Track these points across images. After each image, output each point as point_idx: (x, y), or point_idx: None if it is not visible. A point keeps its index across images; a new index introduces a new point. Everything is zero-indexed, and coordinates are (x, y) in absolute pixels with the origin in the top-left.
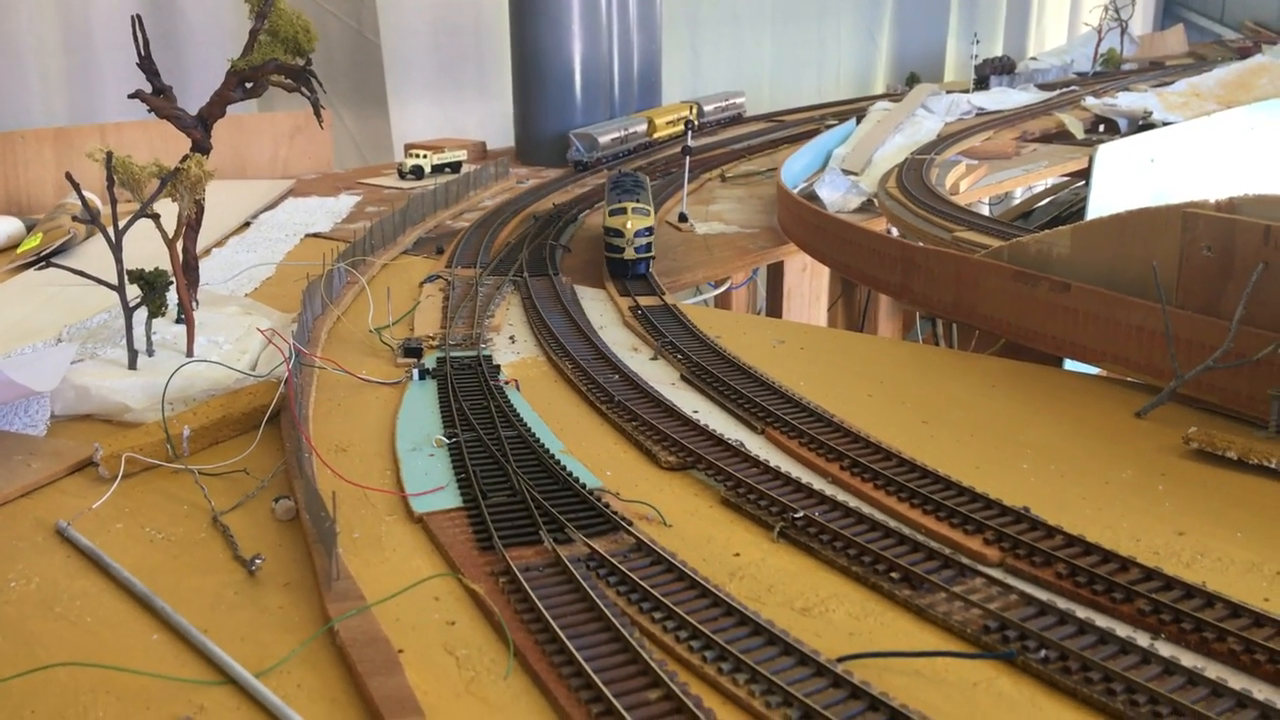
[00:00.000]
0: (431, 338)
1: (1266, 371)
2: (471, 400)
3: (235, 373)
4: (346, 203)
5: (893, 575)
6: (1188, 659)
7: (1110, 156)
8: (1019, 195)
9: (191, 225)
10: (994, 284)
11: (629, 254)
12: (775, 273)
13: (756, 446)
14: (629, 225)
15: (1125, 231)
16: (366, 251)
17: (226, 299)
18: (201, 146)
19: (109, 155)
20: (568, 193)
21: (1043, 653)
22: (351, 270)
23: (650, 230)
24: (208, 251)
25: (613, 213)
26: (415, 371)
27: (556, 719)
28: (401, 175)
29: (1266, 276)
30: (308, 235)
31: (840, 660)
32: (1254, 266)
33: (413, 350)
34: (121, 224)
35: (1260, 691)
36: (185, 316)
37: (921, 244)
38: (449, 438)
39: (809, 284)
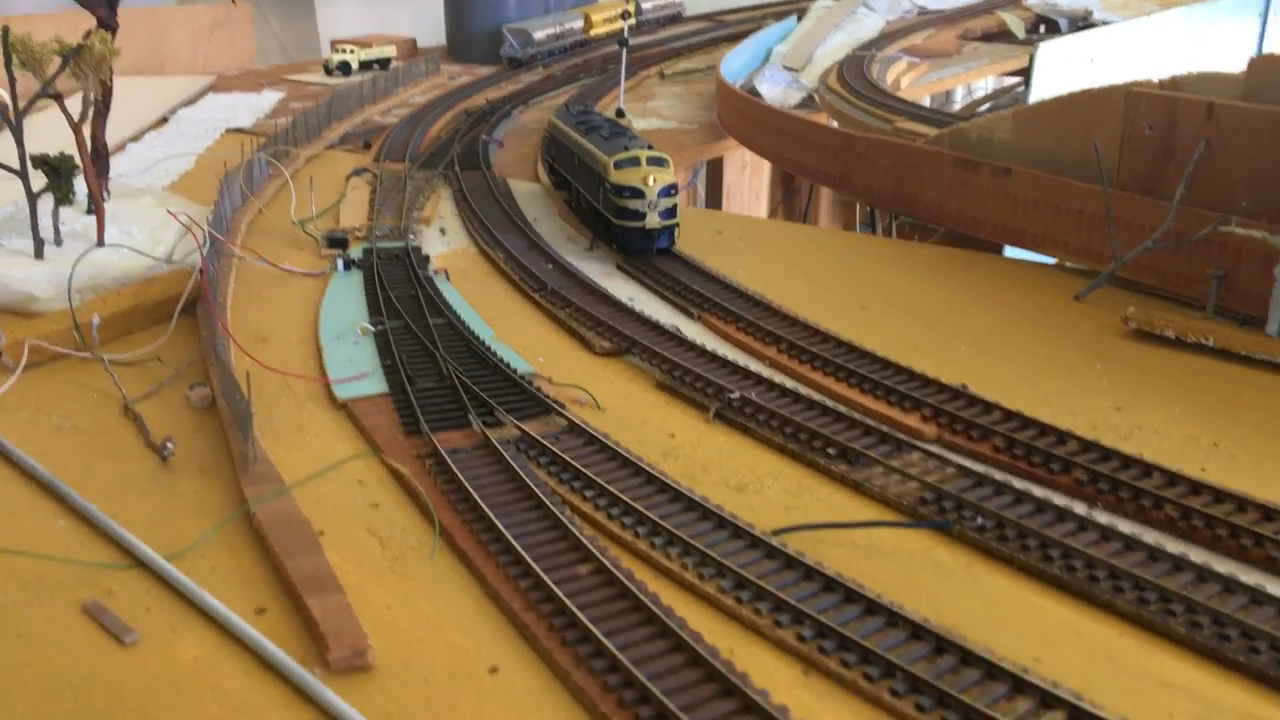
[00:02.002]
0: (357, 229)
1: (1205, 252)
2: (399, 290)
3: (148, 260)
4: (270, 98)
5: (829, 451)
6: (1125, 526)
7: (1050, 55)
8: (959, 99)
9: (99, 109)
10: (934, 171)
11: (652, 221)
12: (714, 172)
13: (693, 332)
14: (651, 182)
15: (1068, 114)
16: (290, 144)
17: (141, 191)
18: (107, 24)
19: (5, 31)
20: (501, 89)
21: (979, 521)
22: (274, 161)
23: (676, 189)
24: (123, 146)
25: (620, 165)
26: (340, 262)
27: (484, 596)
28: (328, 71)
29: (1208, 155)
30: (229, 130)
31: (775, 533)
32: (1196, 145)
33: (337, 241)
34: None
35: (1197, 555)
36: (95, 205)
37: (862, 134)
38: (375, 326)
39: (749, 183)
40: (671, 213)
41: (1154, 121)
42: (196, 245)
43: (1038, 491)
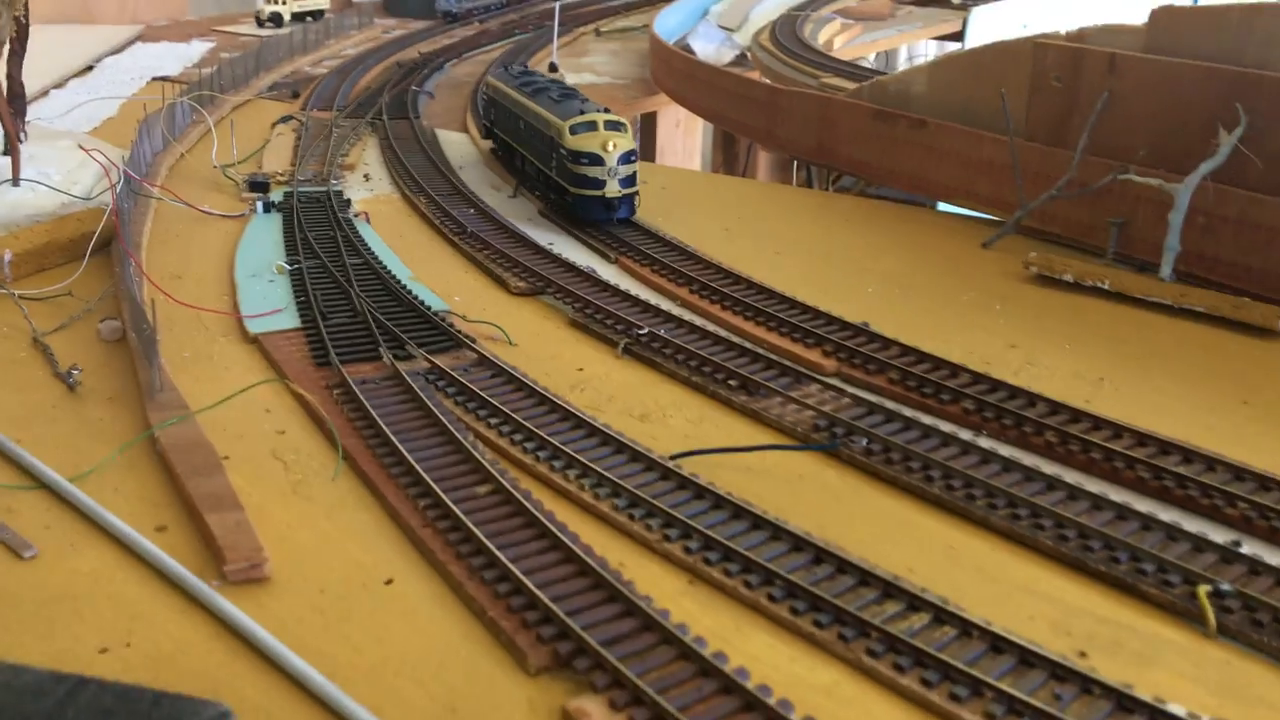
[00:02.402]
0: (280, 174)
1: (1106, 201)
2: (318, 231)
3: (62, 198)
4: (199, 48)
5: (730, 383)
6: (1006, 451)
7: (984, 20)
8: (902, 64)
9: (14, 49)
10: (854, 124)
11: (612, 190)
12: (648, 130)
13: (609, 274)
14: (610, 147)
15: (980, 66)
16: (215, 91)
17: (60, 134)
18: None
19: None
20: (435, 43)
21: (864, 442)
22: (196, 107)
23: (635, 155)
24: (45, 92)
25: (576, 129)
26: (259, 204)
27: (384, 515)
28: (260, 23)
29: (1110, 105)
30: (154, 79)
31: (672, 458)
32: (1099, 96)
33: (258, 185)
34: None
35: (1071, 477)
36: (10, 145)
37: (786, 88)
38: (291, 265)
39: (681, 142)
40: (632, 180)
41: (1060, 73)
42: (109, 184)
43: (927, 420)
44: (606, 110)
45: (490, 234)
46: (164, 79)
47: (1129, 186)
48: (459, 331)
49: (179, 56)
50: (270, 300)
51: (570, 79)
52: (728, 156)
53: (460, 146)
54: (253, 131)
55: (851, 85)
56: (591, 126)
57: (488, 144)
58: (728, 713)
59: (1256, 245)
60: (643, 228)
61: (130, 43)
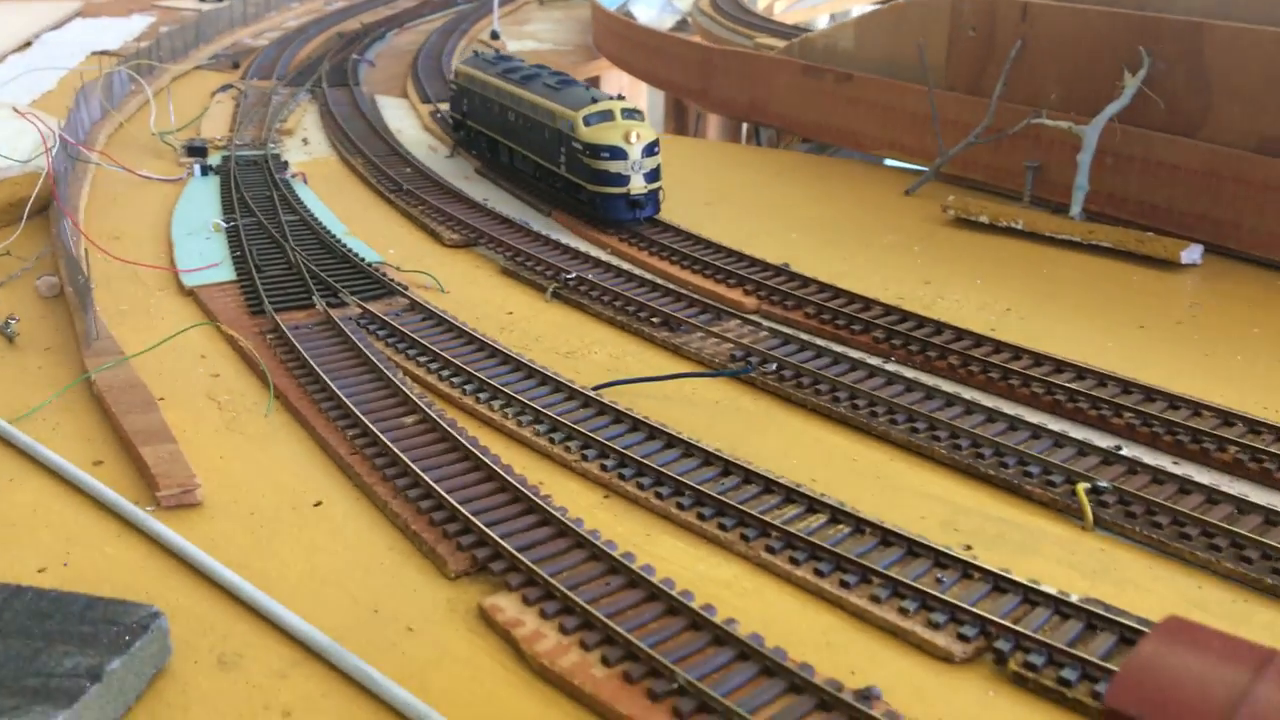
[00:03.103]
0: (218, 140)
1: (1021, 145)
2: (254, 192)
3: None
4: (140, 23)
5: (653, 320)
6: (910, 374)
7: None
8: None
9: None
10: (784, 80)
11: (637, 185)
12: None
13: (542, 227)
14: (634, 139)
15: (902, 19)
16: (155, 62)
17: None
18: None
19: None
20: (377, 13)
21: (773, 366)
22: (135, 77)
23: (658, 146)
24: None
25: (591, 120)
26: (197, 168)
27: (315, 446)
28: None
29: (1023, 53)
30: (94, 53)
31: (594, 389)
32: (1012, 44)
33: (196, 150)
34: None
35: (969, 395)
36: None
37: (719, 47)
38: (227, 223)
39: None
40: (656, 174)
41: (976, 23)
42: (44, 148)
43: (839, 349)
44: (621, 97)
45: (425, 191)
46: (103, 53)
47: (1042, 130)
48: (392, 280)
49: (119, 31)
50: (207, 256)
51: (512, 46)
52: (679, 122)
53: (399, 110)
54: (192, 100)
55: (782, 43)
56: (608, 116)
57: (427, 108)
58: (633, 603)
59: (1161, 182)
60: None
61: (70, 19)
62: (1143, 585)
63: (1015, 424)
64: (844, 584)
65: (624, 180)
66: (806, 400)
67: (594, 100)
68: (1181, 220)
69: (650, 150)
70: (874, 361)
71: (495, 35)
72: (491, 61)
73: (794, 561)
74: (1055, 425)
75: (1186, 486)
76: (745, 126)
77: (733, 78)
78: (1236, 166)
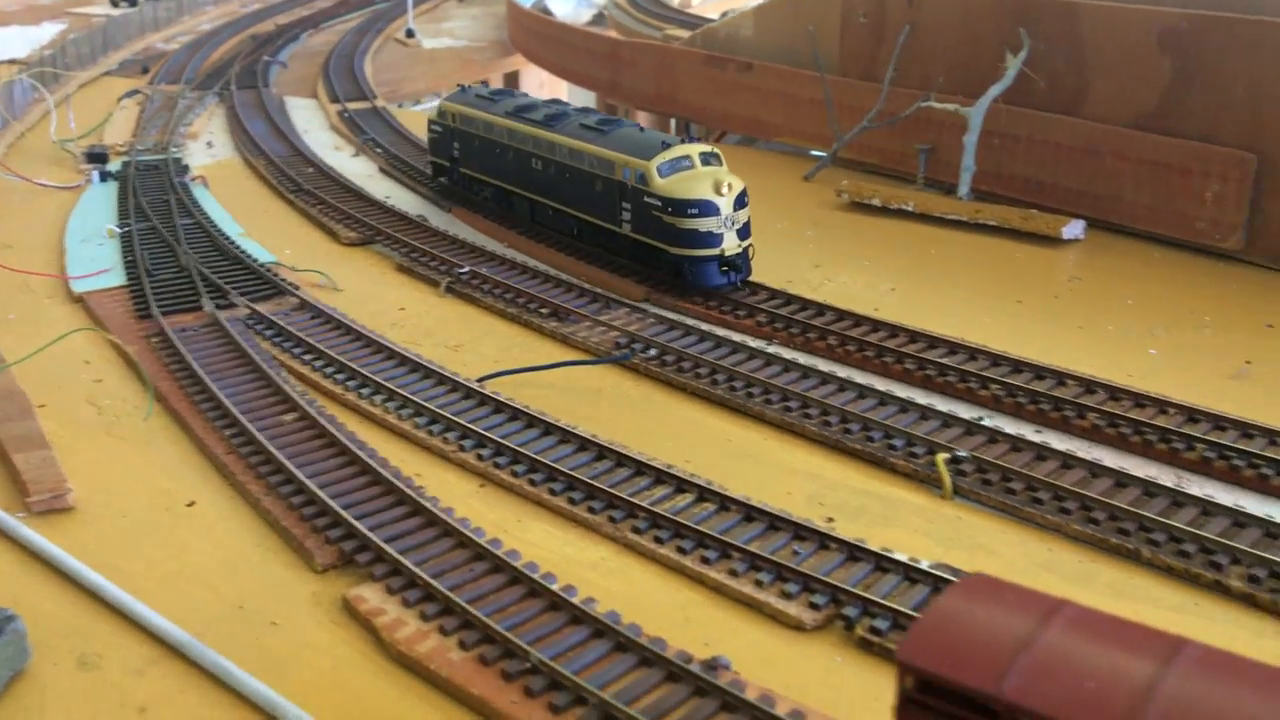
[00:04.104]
0: (120, 145)
1: (914, 129)
2: (152, 197)
3: None
4: (50, 30)
5: (543, 311)
6: (789, 354)
7: None
8: None
9: None
10: (689, 70)
11: (730, 244)
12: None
13: (441, 223)
14: (725, 190)
15: (798, 7)
16: (60, 69)
17: None
18: None
19: None
20: (293, 14)
21: (652, 352)
22: (38, 85)
23: (747, 196)
24: None
25: (667, 170)
26: (96, 174)
27: (193, 447)
28: (114, 3)
29: (912, 38)
30: (1, 62)
31: (480, 380)
32: (901, 29)
33: (96, 156)
34: None
35: (844, 373)
36: None
37: (626, 39)
38: (122, 228)
39: None
40: (748, 229)
41: (867, 10)
42: None
43: (723, 333)
44: (694, 139)
45: (325, 190)
46: (11, 61)
47: (932, 114)
48: (284, 280)
49: (28, 39)
50: (98, 262)
51: (429, 44)
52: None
53: (307, 112)
54: (99, 107)
55: (689, 34)
56: (685, 164)
57: (335, 107)
58: (495, 588)
59: (1045, 160)
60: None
61: None
62: (995, 549)
63: (885, 399)
64: (704, 560)
65: (716, 240)
66: (687, 384)
67: (665, 145)
68: (1065, 197)
69: (741, 202)
70: (756, 344)
71: (410, 34)
72: (490, 98)
73: (658, 540)
74: (924, 399)
75: (1043, 453)
76: (674, 120)
77: (640, 70)
78: (1114, 142)
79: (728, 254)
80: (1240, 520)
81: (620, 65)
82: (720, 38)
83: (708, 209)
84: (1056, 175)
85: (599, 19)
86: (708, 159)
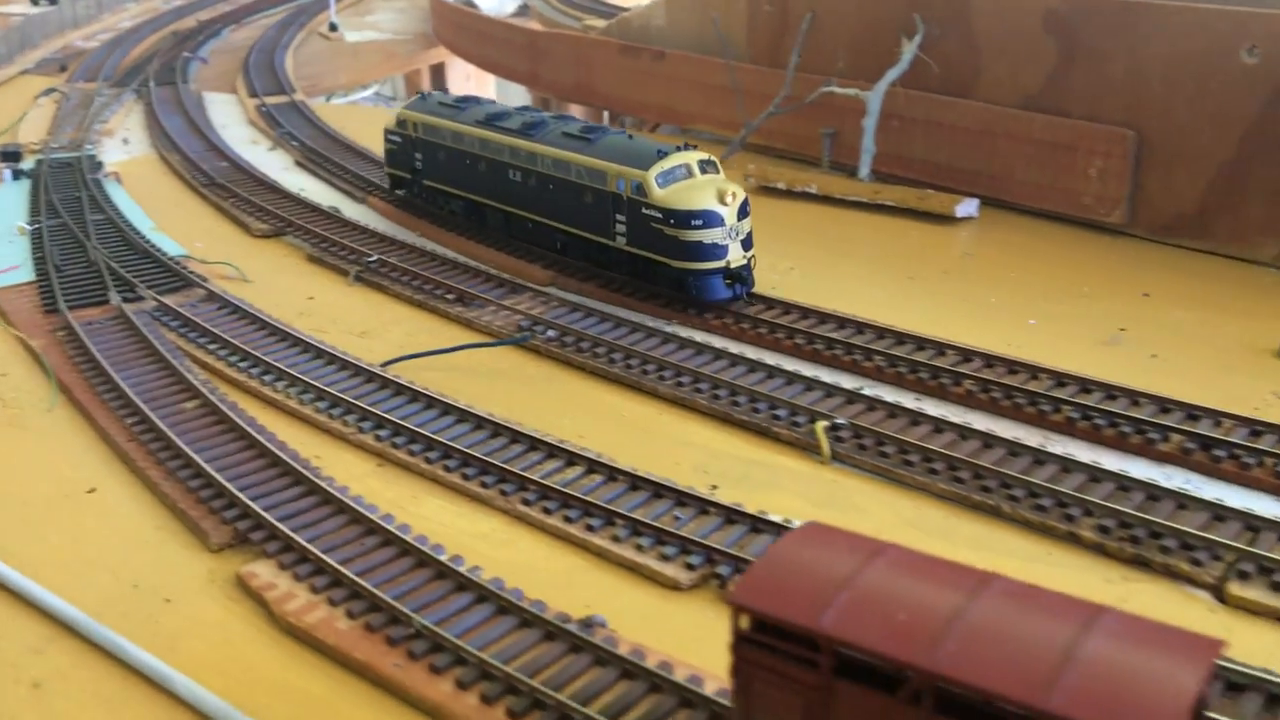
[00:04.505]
0: (34, 144)
1: (818, 113)
2: (64, 194)
3: None
4: None
5: (448, 297)
6: (686, 332)
7: None
8: None
9: None
10: (605, 60)
11: (736, 256)
12: (438, 85)
13: (354, 213)
14: (730, 199)
15: None
16: None
17: None
18: None
19: None
20: (215, 9)
21: (549, 333)
22: None
23: (749, 204)
24: None
25: (666, 179)
26: (8, 173)
27: (96, 437)
28: (34, 1)
29: (815, 25)
30: None
31: (384, 365)
32: (804, 17)
33: (9, 154)
34: None
35: (738, 349)
36: None
37: (544, 30)
38: (32, 225)
39: (474, 93)
40: (751, 239)
41: None
42: None
43: (622, 313)
44: (690, 146)
45: (239, 184)
46: None
47: (835, 99)
48: (192, 273)
49: None
50: (7, 259)
51: (352, 37)
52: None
53: (226, 107)
54: (15, 106)
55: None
56: (684, 172)
57: (253, 101)
58: (385, 560)
59: (941, 142)
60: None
61: None
62: (866, 509)
63: (774, 373)
64: (589, 528)
65: (721, 252)
66: (585, 363)
67: (661, 154)
68: (961, 176)
69: (744, 211)
70: (655, 324)
71: (334, 28)
72: (456, 106)
73: (547, 511)
74: (811, 372)
75: (918, 419)
76: (606, 113)
77: (558, 60)
78: (1005, 123)
79: (733, 266)
80: (1096, 475)
81: (538, 56)
82: (634, 27)
83: (712, 220)
84: (953, 156)
85: (525, 10)
86: (705, 166)
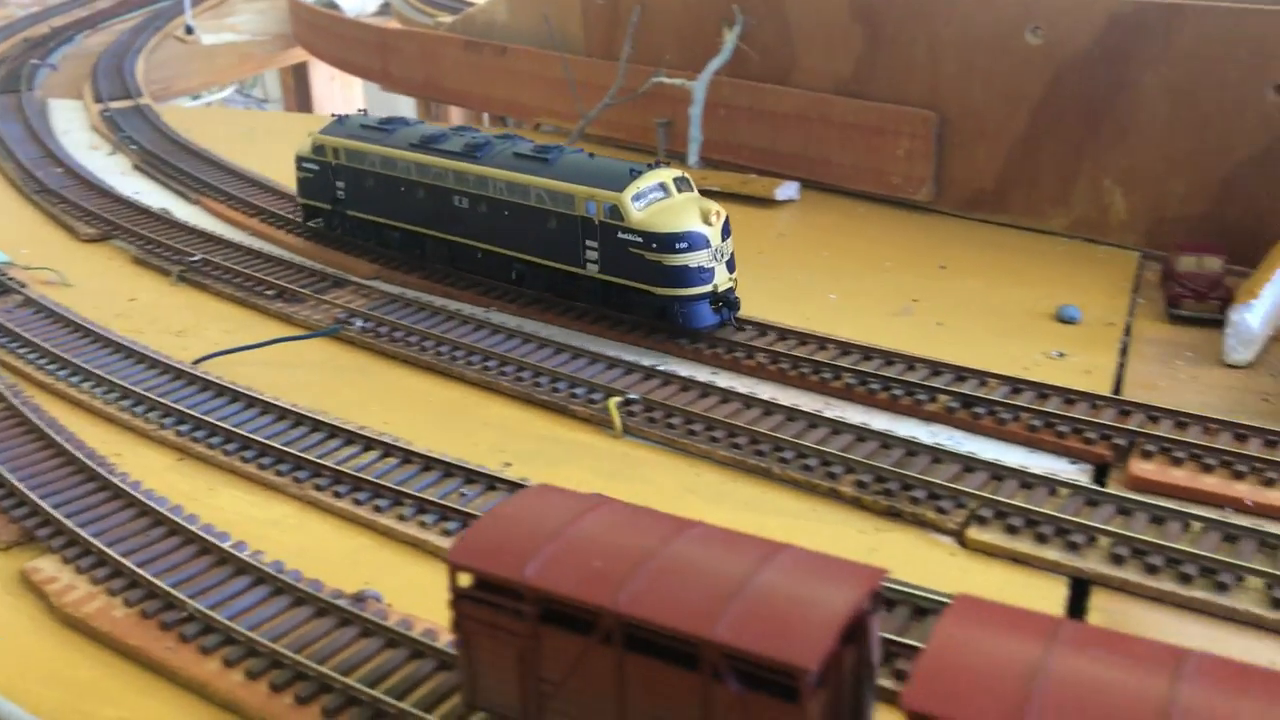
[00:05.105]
0: None
1: (652, 103)
2: None
3: None
4: None
5: (269, 294)
6: (499, 319)
7: None
8: None
9: None
10: (451, 56)
11: (721, 278)
12: (301, 85)
13: (186, 214)
14: (714, 217)
15: None
16: None
17: None
18: None
19: None
20: (71, 15)
21: (360, 323)
22: None
23: (729, 222)
24: None
25: (641, 198)
26: None
27: None
28: None
29: (644, 18)
30: None
31: (195, 362)
32: (634, 9)
33: None
34: None
35: (546, 331)
36: None
37: (393, 27)
38: None
39: (340, 93)
40: (734, 260)
41: None
42: None
43: (440, 302)
44: (662, 163)
45: (71, 189)
46: None
47: (665, 89)
48: (12, 280)
49: None
50: None
51: (208, 39)
52: (425, 111)
53: (70, 113)
54: None
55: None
56: (660, 191)
57: (98, 107)
58: (169, 550)
59: (764, 128)
60: (230, 168)
61: None
62: (651, 478)
63: (578, 353)
64: (377, 509)
65: (707, 276)
66: (398, 352)
67: (634, 173)
68: (785, 161)
69: (727, 230)
70: (470, 311)
71: (190, 30)
72: (382, 129)
73: (338, 495)
74: (614, 351)
75: (708, 391)
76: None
77: (407, 57)
78: (820, 108)
79: (720, 290)
80: (862, 435)
81: (388, 54)
82: (478, 23)
83: (697, 242)
84: (775, 141)
85: (386, 10)
86: (681, 184)
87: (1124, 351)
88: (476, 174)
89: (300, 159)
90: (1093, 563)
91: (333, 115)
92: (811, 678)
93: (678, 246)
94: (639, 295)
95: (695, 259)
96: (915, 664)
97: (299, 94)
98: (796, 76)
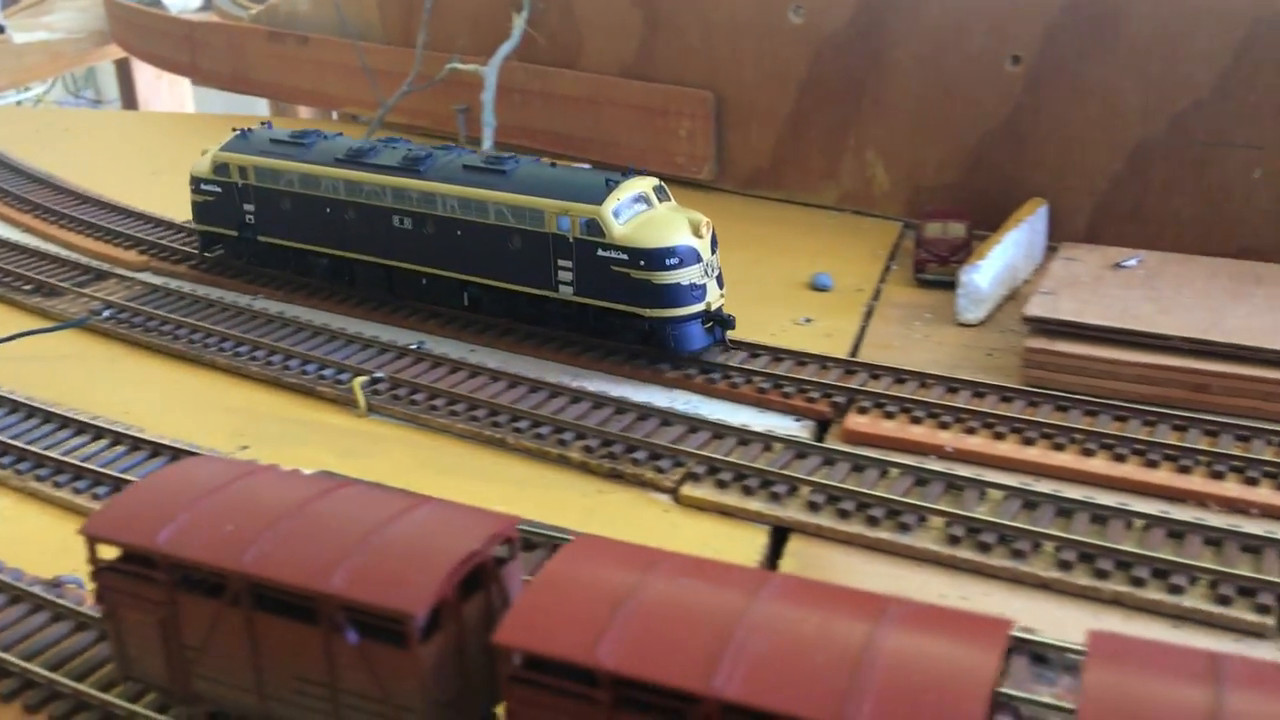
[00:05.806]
0: None
1: (451, 90)
2: None
3: None
4: None
5: (26, 288)
6: (260, 304)
7: None
8: None
9: None
10: (256, 48)
11: (713, 295)
12: (126, 84)
13: None
14: (704, 229)
15: None
16: None
17: None
18: None
19: None
20: None
21: (105, 312)
22: None
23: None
24: None
25: (622, 211)
26: None
27: None
28: None
29: (439, 4)
30: None
31: None
32: None
33: None
34: None
35: (319, 320)
36: None
37: (199, 20)
38: None
39: (168, 91)
40: (722, 275)
41: None
42: None
43: (203, 291)
44: (638, 171)
45: None
46: None
47: (461, 75)
48: None
49: None
50: None
51: (21, 38)
52: (276, 109)
53: None
54: None
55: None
56: (642, 203)
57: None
58: None
59: (557, 111)
60: (24, 171)
61: None
62: (389, 454)
63: (334, 336)
64: (95, 496)
65: (699, 293)
66: (152, 342)
67: (610, 183)
68: (578, 144)
69: (715, 243)
70: (231, 299)
71: (1, 29)
72: (296, 143)
73: (58, 485)
74: (372, 332)
75: (457, 367)
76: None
77: (215, 50)
78: (607, 91)
79: (712, 306)
80: (599, 403)
81: (196, 47)
82: (281, 14)
83: (688, 257)
84: (568, 125)
85: (208, 6)
86: (661, 194)
87: (868, 315)
88: (421, 190)
89: (197, 180)
90: (792, 511)
91: (234, 130)
92: (417, 623)
93: (668, 263)
94: (623, 318)
95: (687, 275)
96: (513, 602)
97: (123, 92)
98: (584, 60)
